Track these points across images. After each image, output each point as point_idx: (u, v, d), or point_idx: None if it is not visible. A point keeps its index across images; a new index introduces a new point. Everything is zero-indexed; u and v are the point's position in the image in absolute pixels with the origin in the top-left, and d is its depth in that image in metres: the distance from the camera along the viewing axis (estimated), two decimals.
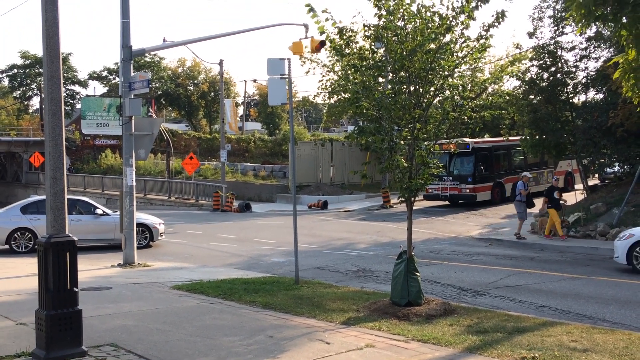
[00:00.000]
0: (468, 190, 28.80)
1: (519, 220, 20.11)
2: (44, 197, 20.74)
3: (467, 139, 27.35)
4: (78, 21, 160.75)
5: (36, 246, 7.29)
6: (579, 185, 31.94)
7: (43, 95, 59.74)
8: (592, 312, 10.24)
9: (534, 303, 10.95)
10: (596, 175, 25.93)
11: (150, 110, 51.94)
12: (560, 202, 19.62)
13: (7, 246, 18.41)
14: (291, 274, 13.21)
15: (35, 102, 73.49)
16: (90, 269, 14.64)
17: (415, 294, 9.67)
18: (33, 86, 67.01)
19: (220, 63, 41.03)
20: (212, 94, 68.31)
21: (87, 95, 61.92)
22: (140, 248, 18.38)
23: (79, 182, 46.88)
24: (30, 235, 18.50)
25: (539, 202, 28.50)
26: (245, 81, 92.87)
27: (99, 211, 19.39)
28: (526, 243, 19.04)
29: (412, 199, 10.05)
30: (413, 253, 9.97)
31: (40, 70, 62.11)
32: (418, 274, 9.84)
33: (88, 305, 9.15)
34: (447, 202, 30.25)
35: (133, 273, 14.35)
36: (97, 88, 71.07)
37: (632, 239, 13.96)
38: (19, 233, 18.50)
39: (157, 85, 65.70)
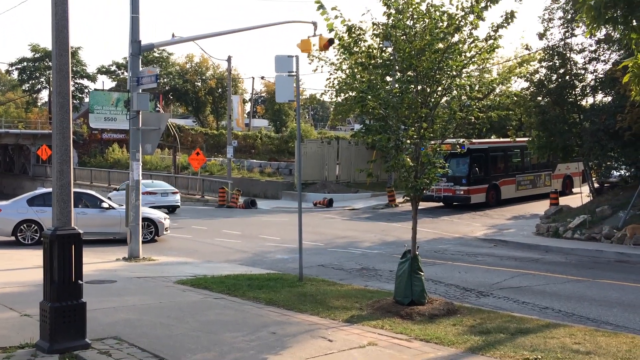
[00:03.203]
0: (462, 192, 28.44)
1: None
2: (50, 189, 20.93)
3: (454, 140, 27.04)
4: (88, 16, 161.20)
5: (42, 238, 7.32)
6: (578, 189, 31.94)
7: (52, 89, 59.97)
8: (596, 315, 10.21)
9: (537, 305, 10.94)
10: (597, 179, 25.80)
11: (158, 105, 52.13)
12: None
13: (13, 238, 18.55)
14: (295, 271, 13.23)
15: (43, 95, 73.85)
16: (95, 262, 14.70)
17: (419, 293, 9.67)
18: (42, 79, 67.24)
19: (229, 59, 41.08)
20: (220, 90, 68.39)
21: (95, 89, 62.18)
22: (145, 242, 18.50)
23: (86, 175, 47.04)
24: (36, 227, 18.62)
25: (533, 206, 28.60)
26: (253, 78, 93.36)
27: (104, 205, 19.51)
28: (531, 244, 19.00)
29: (418, 198, 10.05)
30: (417, 252, 9.96)
31: (49, 63, 62.37)
32: (422, 273, 9.83)
33: (92, 298, 9.19)
34: (440, 204, 29.78)
35: (138, 267, 14.41)
36: (105, 82, 71.42)
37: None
38: (25, 225, 18.64)
39: (165, 80, 65.86)
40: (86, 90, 65.74)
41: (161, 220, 19.98)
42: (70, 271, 7.04)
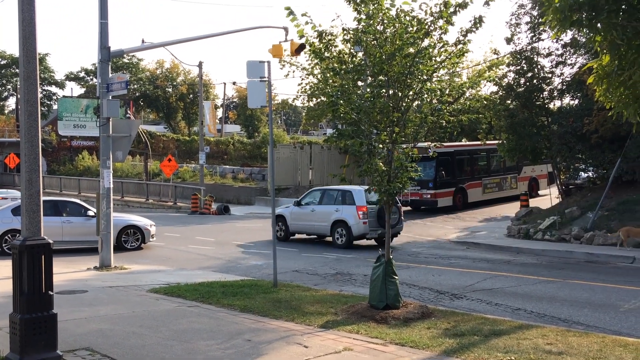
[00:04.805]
0: (429, 196, 28.43)
1: None
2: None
3: (426, 143, 27.16)
4: (55, 21, 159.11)
5: (11, 249, 7.18)
6: (543, 191, 32.45)
7: (19, 96, 58.97)
8: (567, 315, 10.36)
9: (510, 306, 11.06)
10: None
11: (128, 111, 51.56)
12: None
13: None
14: (269, 277, 13.18)
15: (10, 103, 72.53)
16: (66, 272, 14.47)
17: (393, 297, 9.71)
18: (9, 87, 66.11)
19: (200, 65, 40.87)
20: (191, 95, 67.96)
21: (64, 96, 61.21)
22: (132, 250, 19.02)
23: (55, 183, 46.28)
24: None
25: (503, 209, 28.95)
26: (225, 83, 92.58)
27: (90, 213, 19.36)
28: (502, 246, 19.21)
29: (391, 202, 10.10)
30: (391, 256, 10.01)
31: (16, 70, 61.31)
32: (396, 277, 9.88)
33: (63, 309, 9.05)
34: (408, 208, 29.61)
35: (109, 276, 14.22)
36: (74, 89, 70.38)
37: None
38: (10, 235, 18.41)
39: (136, 86, 65.21)
40: (54, 97, 64.78)
41: (147, 227, 19.99)
42: (40, 282, 6.91)
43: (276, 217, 21.50)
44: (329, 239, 20.28)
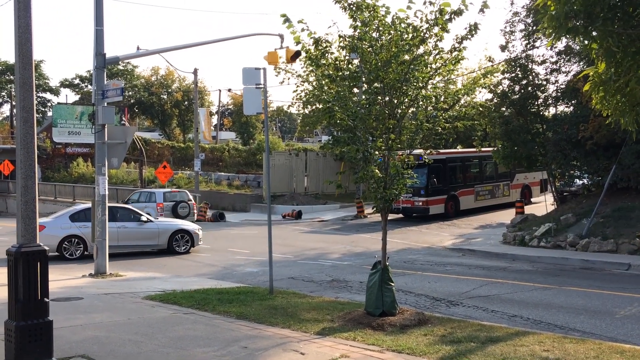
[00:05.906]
0: (421, 203, 28.26)
1: None
2: (89, 205, 21.43)
3: (420, 150, 27.11)
4: (50, 28, 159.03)
5: (7, 255, 7.15)
6: (536, 199, 32.50)
7: (14, 103, 58.87)
8: (563, 322, 10.37)
9: (506, 313, 11.06)
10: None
11: (123, 118, 51.50)
12: None
13: (57, 253, 18.85)
14: (265, 284, 13.15)
15: (4, 110, 72.38)
16: (61, 279, 14.42)
17: (390, 304, 9.70)
18: (3, 93, 65.97)
19: (195, 72, 40.90)
20: (186, 102, 67.88)
21: (58, 103, 61.11)
22: (182, 254, 19.89)
23: (50, 190, 46.11)
24: (78, 241, 19.05)
25: (498, 216, 28.99)
26: (220, 90, 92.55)
27: (143, 218, 20.14)
28: (498, 253, 19.23)
29: (387, 209, 10.10)
30: (387, 263, 10.00)
31: (11, 77, 61.22)
32: (392, 284, 9.87)
33: (59, 316, 9.01)
34: (400, 215, 29.56)
35: (105, 283, 14.17)
36: (69, 96, 70.28)
37: None
38: (68, 241, 19.06)
39: (131, 93, 65.14)
40: (49, 104, 64.68)
41: (196, 232, 20.79)
42: (35, 289, 6.89)
43: None
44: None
